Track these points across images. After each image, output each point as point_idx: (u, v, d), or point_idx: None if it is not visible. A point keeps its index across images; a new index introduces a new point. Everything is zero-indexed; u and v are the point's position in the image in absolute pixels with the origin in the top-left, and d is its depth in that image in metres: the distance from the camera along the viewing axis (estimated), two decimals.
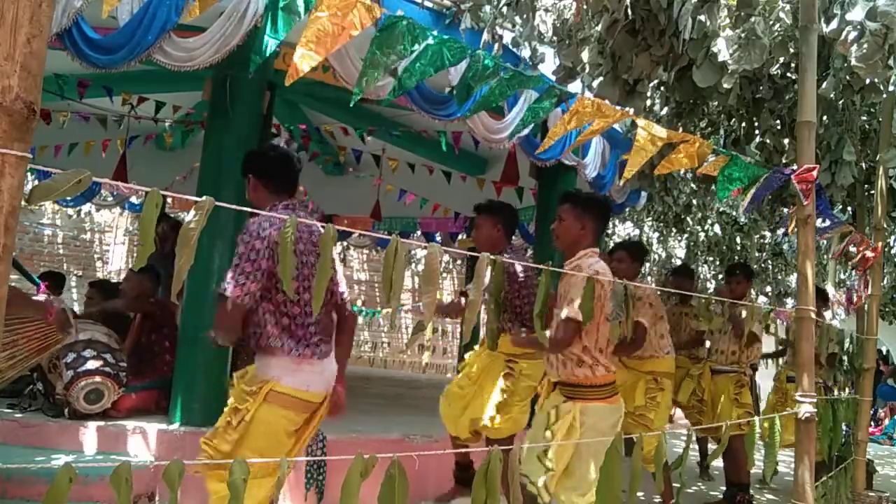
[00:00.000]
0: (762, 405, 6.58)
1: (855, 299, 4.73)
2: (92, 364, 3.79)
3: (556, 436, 2.66)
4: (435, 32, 2.00)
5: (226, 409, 2.37)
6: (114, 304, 4.64)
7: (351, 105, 2.07)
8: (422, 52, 1.98)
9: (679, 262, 10.32)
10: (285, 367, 2.30)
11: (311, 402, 2.34)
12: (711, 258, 10.58)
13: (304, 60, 1.68)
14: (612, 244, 10.09)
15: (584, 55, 3.85)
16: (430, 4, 4.49)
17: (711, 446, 6.02)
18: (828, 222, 3.86)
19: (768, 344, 5.44)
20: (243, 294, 2.21)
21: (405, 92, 3.99)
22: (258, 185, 2.47)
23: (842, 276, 10.03)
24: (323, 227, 1.62)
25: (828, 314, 4.97)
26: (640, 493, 4.73)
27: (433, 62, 1.98)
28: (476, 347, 3.89)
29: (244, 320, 2.32)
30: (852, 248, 4.17)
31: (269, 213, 2.30)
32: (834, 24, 3.35)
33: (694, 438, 6.05)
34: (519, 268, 3.50)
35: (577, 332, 2.69)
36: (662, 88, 4.44)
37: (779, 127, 4.45)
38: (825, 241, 3.82)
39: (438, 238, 9.03)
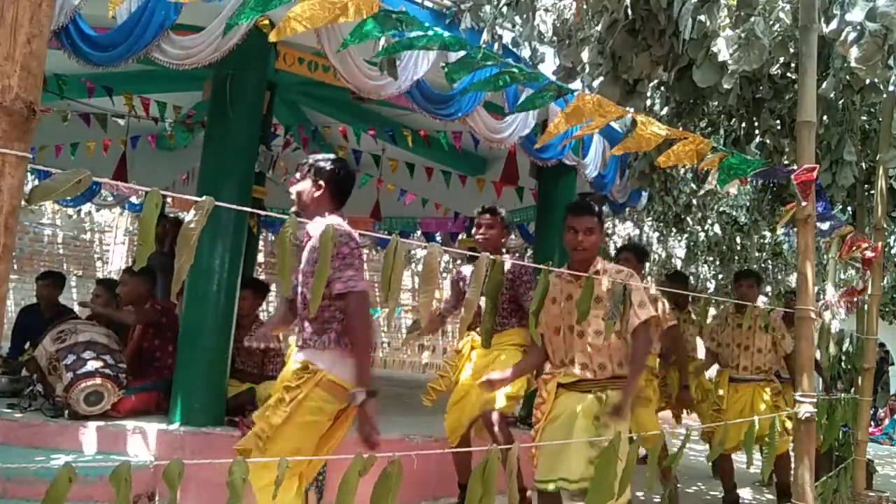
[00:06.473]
0: None
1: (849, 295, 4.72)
2: (91, 365, 3.79)
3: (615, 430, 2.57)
4: (437, 29, 1.99)
5: (274, 391, 2.56)
6: (121, 316, 4.47)
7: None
8: (419, 37, 1.96)
9: (679, 263, 10.33)
10: (338, 359, 2.51)
11: (348, 389, 2.52)
12: (711, 258, 10.57)
13: (290, 24, 1.63)
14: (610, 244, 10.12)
15: (584, 55, 3.85)
16: (430, 4, 4.48)
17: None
18: (828, 225, 3.85)
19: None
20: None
21: (406, 93, 4.02)
22: (326, 193, 2.63)
23: (842, 276, 10.02)
24: (324, 227, 1.63)
25: (827, 314, 4.94)
26: (639, 493, 4.74)
27: (434, 40, 1.97)
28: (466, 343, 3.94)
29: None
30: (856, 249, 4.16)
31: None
32: (834, 25, 3.35)
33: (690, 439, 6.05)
34: (508, 265, 3.55)
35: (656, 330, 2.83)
36: (662, 88, 4.44)
37: (779, 127, 4.45)
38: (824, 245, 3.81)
39: (438, 238, 9.03)
